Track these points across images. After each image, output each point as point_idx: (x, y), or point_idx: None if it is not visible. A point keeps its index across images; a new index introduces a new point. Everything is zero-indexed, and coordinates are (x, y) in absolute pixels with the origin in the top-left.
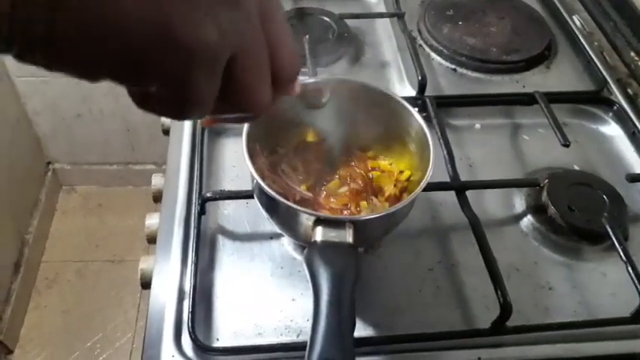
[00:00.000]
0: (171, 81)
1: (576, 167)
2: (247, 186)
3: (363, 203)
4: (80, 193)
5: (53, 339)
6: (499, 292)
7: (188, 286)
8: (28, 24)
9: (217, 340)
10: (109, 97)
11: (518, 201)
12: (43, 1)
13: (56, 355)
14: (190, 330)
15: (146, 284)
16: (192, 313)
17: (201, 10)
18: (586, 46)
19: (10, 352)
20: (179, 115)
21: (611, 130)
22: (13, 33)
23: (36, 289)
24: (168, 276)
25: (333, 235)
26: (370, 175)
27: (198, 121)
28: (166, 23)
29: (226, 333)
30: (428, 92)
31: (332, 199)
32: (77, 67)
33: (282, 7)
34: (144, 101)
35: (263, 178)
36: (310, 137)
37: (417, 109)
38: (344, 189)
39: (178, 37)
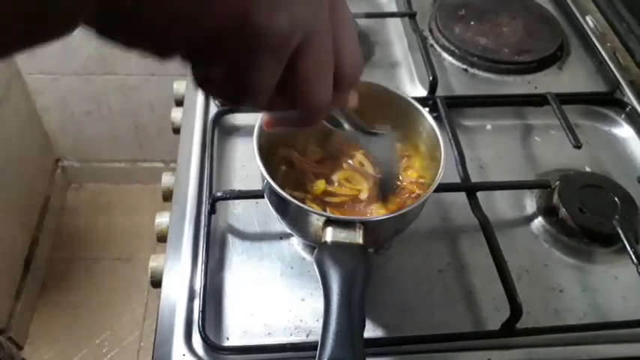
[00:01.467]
0: (238, 64)
1: (588, 169)
2: (257, 185)
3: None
4: (88, 191)
5: (62, 336)
6: (509, 294)
7: (198, 286)
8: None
9: (227, 339)
10: (118, 94)
11: (529, 202)
12: None
13: (65, 352)
14: (201, 329)
15: (156, 283)
16: (203, 312)
17: (281, 1)
18: (599, 47)
19: (20, 348)
20: (235, 100)
21: (624, 131)
22: (103, 8)
23: (45, 286)
24: (178, 275)
25: (344, 235)
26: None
27: (259, 123)
28: (245, 8)
29: (236, 332)
30: (439, 92)
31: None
32: (155, 46)
33: (347, 5)
34: (205, 83)
35: (273, 177)
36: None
37: (427, 109)
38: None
39: (254, 22)
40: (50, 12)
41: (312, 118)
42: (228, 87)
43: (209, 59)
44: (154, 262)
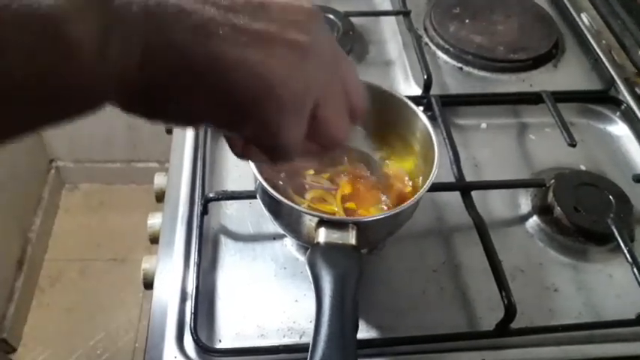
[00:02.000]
0: (266, 127)
1: (583, 167)
2: (250, 186)
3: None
4: (83, 191)
5: (56, 337)
6: (503, 294)
7: (190, 287)
8: (151, 86)
9: (220, 341)
10: None
11: (524, 201)
12: (166, 64)
13: (59, 354)
14: (193, 331)
15: (149, 284)
16: (195, 314)
17: (295, 67)
18: (594, 44)
19: (14, 350)
20: (275, 158)
21: (619, 129)
22: (132, 92)
23: (39, 287)
24: (170, 276)
25: (336, 236)
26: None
27: None
28: (267, 78)
29: (229, 334)
30: (433, 91)
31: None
32: (181, 120)
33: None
34: (243, 152)
35: (266, 178)
36: None
37: (422, 108)
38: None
39: (277, 90)
40: (63, 95)
41: (334, 150)
42: (264, 150)
43: (240, 125)
44: (146, 264)
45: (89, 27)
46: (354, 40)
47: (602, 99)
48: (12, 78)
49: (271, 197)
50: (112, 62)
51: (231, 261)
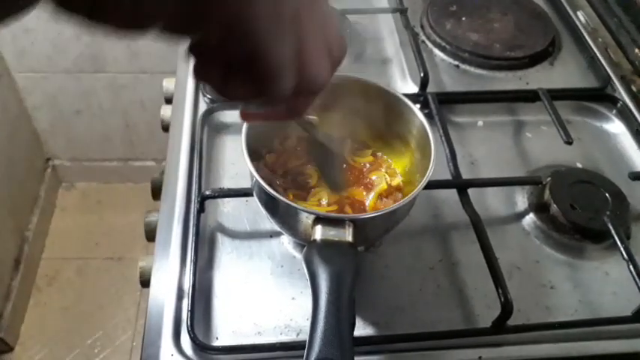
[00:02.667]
0: (232, 21)
1: (579, 165)
2: (247, 184)
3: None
4: (79, 190)
5: (53, 336)
6: (500, 291)
7: (187, 285)
8: None
9: (217, 339)
10: (109, 92)
11: (521, 199)
12: None
13: (56, 353)
14: (189, 329)
15: (145, 282)
16: (192, 311)
17: None
18: (590, 42)
19: (11, 349)
20: (264, 85)
21: (615, 127)
22: None
23: (36, 286)
24: (167, 274)
25: (333, 233)
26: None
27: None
28: None
29: (225, 332)
30: (430, 89)
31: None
32: (128, 19)
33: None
34: (225, 82)
35: (262, 176)
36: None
37: (418, 105)
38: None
39: None
40: None
41: (272, 100)
42: (250, 73)
43: (200, 20)
44: (143, 262)
45: None
46: (351, 38)
47: (598, 97)
48: None
49: (268, 195)
50: None
51: (228, 259)
